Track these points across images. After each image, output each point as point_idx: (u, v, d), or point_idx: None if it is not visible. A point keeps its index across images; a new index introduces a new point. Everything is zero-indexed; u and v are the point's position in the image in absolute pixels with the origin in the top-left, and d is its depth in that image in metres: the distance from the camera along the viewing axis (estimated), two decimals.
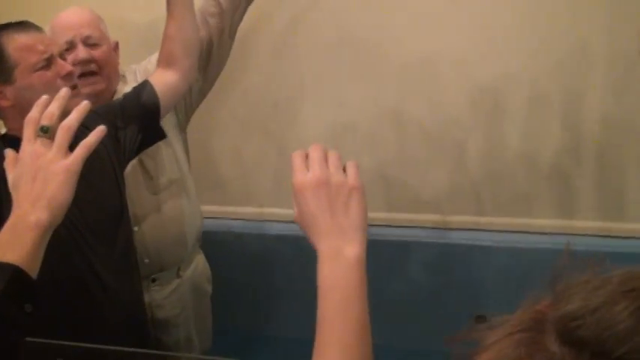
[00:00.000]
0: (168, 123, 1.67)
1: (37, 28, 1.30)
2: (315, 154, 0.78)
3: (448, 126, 1.92)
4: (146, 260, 1.65)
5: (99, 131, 0.88)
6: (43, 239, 0.84)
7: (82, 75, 1.54)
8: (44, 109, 0.88)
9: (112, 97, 1.65)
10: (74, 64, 1.49)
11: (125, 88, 1.63)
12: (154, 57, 1.62)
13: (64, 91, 0.90)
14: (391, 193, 2.00)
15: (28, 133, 0.87)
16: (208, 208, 1.98)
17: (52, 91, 1.24)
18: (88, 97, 1.53)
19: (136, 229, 1.61)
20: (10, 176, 0.86)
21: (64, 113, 1.19)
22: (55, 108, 0.88)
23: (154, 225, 1.68)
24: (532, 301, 0.46)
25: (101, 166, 1.38)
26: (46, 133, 0.86)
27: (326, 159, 0.78)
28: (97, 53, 1.58)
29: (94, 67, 1.58)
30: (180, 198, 1.74)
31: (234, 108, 2.06)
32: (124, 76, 1.72)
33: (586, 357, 0.40)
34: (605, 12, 1.71)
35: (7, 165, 0.87)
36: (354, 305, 0.71)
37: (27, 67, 1.25)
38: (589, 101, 1.80)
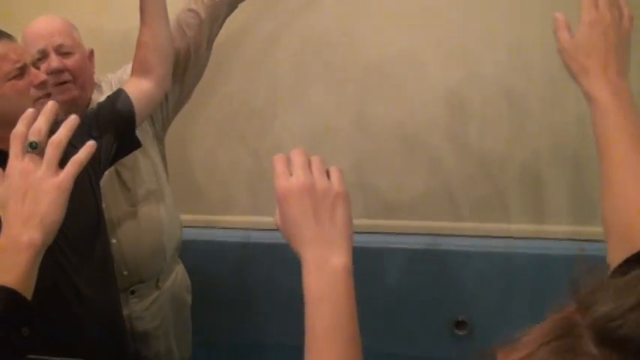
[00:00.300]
0: (145, 134, 1.66)
1: (9, 37, 1.28)
2: (297, 158, 0.76)
3: (423, 130, 1.93)
4: (125, 272, 1.63)
5: (89, 147, 0.86)
6: (37, 259, 0.81)
7: (55, 85, 1.52)
8: (31, 124, 0.84)
9: (87, 105, 1.62)
10: (47, 74, 1.46)
11: (101, 97, 1.60)
12: (130, 66, 1.60)
13: (50, 105, 0.87)
14: (368, 200, 2.01)
15: (15, 149, 0.84)
16: (186, 217, 1.97)
17: (26, 100, 1.24)
18: (62, 104, 1.51)
19: (114, 241, 1.59)
20: None
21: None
22: (42, 123, 0.84)
23: (132, 237, 1.66)
24: (555, 310, 0.46)
25: (78, 177, 1.37)
26: (35, 149, 0.83)
27: (309, 164, 0.76)
28: (70, 62, 1.56)
29: (67, 77, 1.56)
30: (159, 209, 1.73)
31: (209, 116, 2.05)
32: (99, 85, 1.70)
33: (630, 355, 0.40)
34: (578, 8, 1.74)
35: None
36: (344, 316, 0.70)
37: (0, 76, 1.23)
38: (562, 102, 1.81)
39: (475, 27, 1.81)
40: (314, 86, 1.97)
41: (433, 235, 2.00)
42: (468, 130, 1.90)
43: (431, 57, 1.87)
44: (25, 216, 0.80)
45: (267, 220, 2.04)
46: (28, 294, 0.80)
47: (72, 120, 0.86)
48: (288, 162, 0.76)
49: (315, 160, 0.76)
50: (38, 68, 1.34)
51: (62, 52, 1.55)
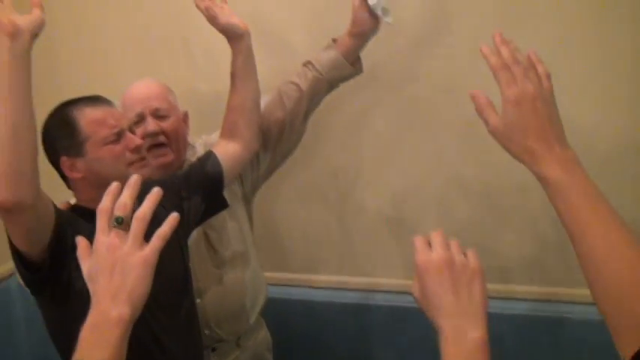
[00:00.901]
0: (233, 196, 1.70)
1: (108, 103, 1.35)
2: (437, 238, 0.83)
3: (514, 190, 1.85)
4: (206, 331, 1.65)
5: (173, 219, 0.87)
6: (126, 334, 0.82)
7: (152, 147, 1.59)
8: (116, 198, 0.87)
9: (182, 166, 1.67)
10: (144, 137, 1.54)
11: (194, 158, 1.66)
12: (217, 133, 1.66)
13: (134, 179, 0.89)
14: None
15: (101, 223, 0.86)
16: (270, 275, 1.97)
17: (121, 163, 1.30)
18: (158, 168, 1.60)
19: (198, 300, 1.61)
20: (85, 267, 0.86)
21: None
22: (127, 198, 0.87)
23: (216, 298, 1.68)
24: None
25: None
26: (121, 224, 0.85)
27: (448, 243, 0.83)
28: (165, 125, 1.62)
29: (162, 139, 1.62)
30: (244, 271, 1.74)
31: (295, 177, 2.06)
32: (193, 146, 1.76)
33: None
34: None
35: (81, 254, 0.87)
36: None
37: (98, 140, 1.30)
38: None
39: (574, 92, 1.71)
40: (398, 145, 1.94)
41: (545, 301, 1.89)
42: None
43: None
44: (113, 291, 0.82)
45: (349, 279, 2.02)
46: None
47: (155, 193, 0.88)
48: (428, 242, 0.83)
49: (453, 242, 0.84)
50: (134, 132, 1.40)
51: (158, 115, 1.62)
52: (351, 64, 1.67)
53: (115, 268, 0.83)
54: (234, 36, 1.54)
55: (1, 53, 1.11)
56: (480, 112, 0.89)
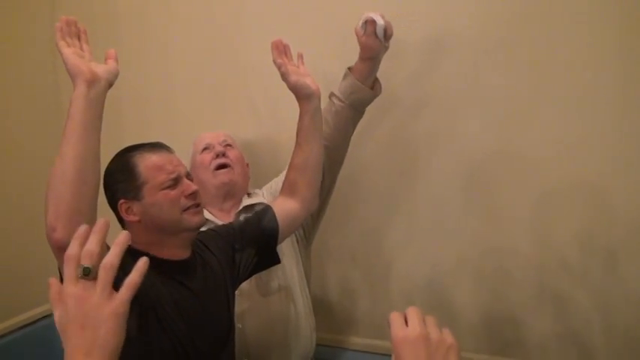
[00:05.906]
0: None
1: (167, 149, 1.40)
2: (413, 314, 0.83)
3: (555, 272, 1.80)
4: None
5: (141, 266, 0.85)
6: None
7: (219, 167, 1.80)
8: (84, 243, 0.84)
9: (240, 201, 1.82)
10: (213, 158, 1.77)
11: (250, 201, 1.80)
12: (278, 179, 1.78)
13: (101, 223, 0.87)
14: (492, 335, 1.90)
15: (68, 272, 0.83)
16: (322, 335, 1.97)
17: (176, 209, 1.33)
18: (222, 185, 1.77)
19: (239, 325, 1.61)
20: (56, 315, 0.83)
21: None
22: (94, 245, 0.84)
23: (257, 325, 1.69)
24: None
25: (215, 286, 1.42)
26: (88, 275, 0.82)
27: (424, 319, 0.83)
28: (230, 152, 1.84)
29: (227, 161, 1.80)
30: (288, 306, 1.76)
31: (343, 239, 2.08)
32: (255, 193, 1.88)
33: None
34: None
35: (51, 300, 0.84)
36: None
37: (155, 185, 1.32)
38: None
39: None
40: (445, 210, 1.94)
41: None
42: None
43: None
44: (86, 347, 0.79)
45: (381, 343, 2.01)
46: None
47: (123, 238, 0.86)
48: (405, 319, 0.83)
49: (429, 318, 0.84)
50: (191, 180, 1.42)
51: (225, 144, 1.85)
52: (370, 87, 1.73)
53: (86, 323, 0.80)
54: (303, 95, 1.54)
55: (78, 98, 1.15)
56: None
